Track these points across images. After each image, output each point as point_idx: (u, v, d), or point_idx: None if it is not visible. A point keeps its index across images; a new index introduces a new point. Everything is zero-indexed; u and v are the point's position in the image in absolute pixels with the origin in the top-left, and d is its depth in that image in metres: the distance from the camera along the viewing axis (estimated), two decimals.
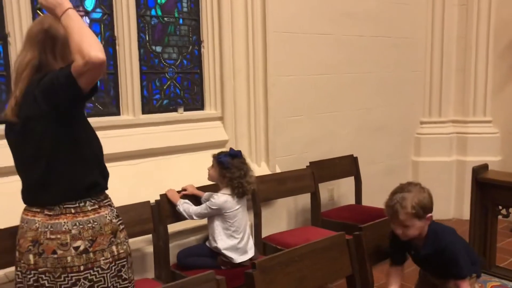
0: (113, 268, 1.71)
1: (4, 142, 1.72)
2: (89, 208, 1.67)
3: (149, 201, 2.42)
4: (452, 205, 4.63)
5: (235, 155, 2.53)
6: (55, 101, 1.55)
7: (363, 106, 4.10)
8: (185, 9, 3.19)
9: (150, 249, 2.58)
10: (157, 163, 2.97)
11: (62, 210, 1.63)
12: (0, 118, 1.72)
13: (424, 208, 1.89)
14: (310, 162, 3.47)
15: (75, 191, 1.66)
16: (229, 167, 2.48)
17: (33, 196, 1.68)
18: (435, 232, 1.94)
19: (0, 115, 1.74)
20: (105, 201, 1.73)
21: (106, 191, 1.77)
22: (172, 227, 2.60)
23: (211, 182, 2.66)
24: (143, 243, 2.62)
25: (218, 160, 2.50)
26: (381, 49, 4.15)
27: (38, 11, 2.56)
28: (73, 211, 1.64)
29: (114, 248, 1.71)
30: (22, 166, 1.70)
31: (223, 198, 2.46)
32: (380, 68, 4.18)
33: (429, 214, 1.92)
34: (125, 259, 1.75)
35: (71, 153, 1.65)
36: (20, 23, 2.47)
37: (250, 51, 3.26)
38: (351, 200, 3.85)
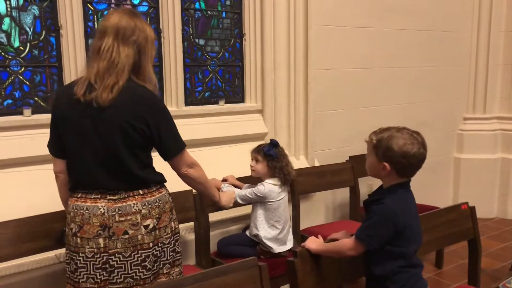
0: (171, 242, 1.82)
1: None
2: (154, 189, 1.79)
3: (191, 190, 2.46)
4: (496, 204, 4.52)
5: (276, 144, 2.58)
6: (160, 141, 1.79)
7: (405, 101, 4.04)
8: (228, 3, 3.23)
9: (191, 236, 2.66)
10: (199, 154, 2.99)
11: (129, 193, 1.72)
12: (79, 95, 1.68)
13: (386, 151, 1.66)
14: (349, 156, 3.45)
15: (144, 185, 1.76)
16: (278, 157, 2.53)
17: (94, 181, 1.72)
18: (389, 191, 1.71)
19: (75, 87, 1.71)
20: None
21: None
22: (213, 216, 2.66)
23: (250, 173, 2.69)
24: (185, 230, 2.69)
25: (267, 153, 2.51)
26: (425, 43, 4.07)
27: (88, 5, 2.66)
28: (141, 192, 1.74)
29: (172, 224, 1.84)
30: (87, 154, 1.71)
31: (269, 187, 2.50)
32: (423, 63, 4.10)
33: (386, 164, 1.67)
34: (178, 234, 1.89)
35: (147, 158, 1.80)
36: (72, 16, 2.57)
37: (291, 44, 3.27)
38: None
